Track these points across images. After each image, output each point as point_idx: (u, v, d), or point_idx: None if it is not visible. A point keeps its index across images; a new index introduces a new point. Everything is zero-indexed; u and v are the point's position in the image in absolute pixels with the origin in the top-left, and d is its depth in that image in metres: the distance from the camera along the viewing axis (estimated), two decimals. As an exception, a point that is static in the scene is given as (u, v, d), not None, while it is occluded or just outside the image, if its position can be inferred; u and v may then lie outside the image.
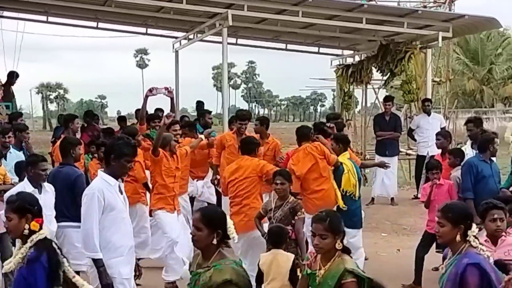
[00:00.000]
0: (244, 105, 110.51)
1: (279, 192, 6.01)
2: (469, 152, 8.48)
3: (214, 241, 3.61)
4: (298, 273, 4.94)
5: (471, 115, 22.69)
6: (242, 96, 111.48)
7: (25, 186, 6.55)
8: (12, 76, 13.28)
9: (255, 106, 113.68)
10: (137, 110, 12.28)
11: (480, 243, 4.04)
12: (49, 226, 6.18)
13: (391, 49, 14.70)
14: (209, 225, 3.66)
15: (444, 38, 14.20)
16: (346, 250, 3.98)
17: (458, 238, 3.89)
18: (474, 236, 3.89)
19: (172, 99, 10.69)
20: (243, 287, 3.57)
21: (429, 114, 13.10)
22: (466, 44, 37.96)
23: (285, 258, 5.33)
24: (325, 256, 3.97)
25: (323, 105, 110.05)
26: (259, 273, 5.30)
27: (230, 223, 3.69)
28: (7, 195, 6.44)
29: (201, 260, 3.70)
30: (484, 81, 39.27)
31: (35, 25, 17.25)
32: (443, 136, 8.98)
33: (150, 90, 10.27)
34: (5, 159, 8.18)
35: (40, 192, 6.47)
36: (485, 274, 3.75)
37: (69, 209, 6.49)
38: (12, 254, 4.71)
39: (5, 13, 15.24)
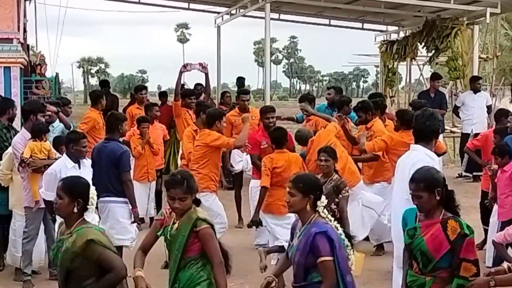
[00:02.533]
0: (285, 81, 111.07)
1: (323, 169, 6.11)
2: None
3: (75, 210, 3.92)
4: None
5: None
6: (283, 71, 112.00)
7: (65, 162, 6.81)
8: None
9: (296, 81, 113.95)
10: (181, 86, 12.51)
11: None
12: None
13: (437, 25, 14.75)
14: (70, 194, 3.96)
15: (492, 14, 14.16)
16: (197, 202, 4.25)
17: (308, 208, 4.03)
18: (324, 206, 4.01)
19: (206, 74, 10.96)
20: (107, 245, 3.85)
21: (476, 92, 13.05)
22: None
23: None
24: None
25: (366, 81, 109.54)
26: None
27: (92, 192, 4.01)
28: (48, 171, 6.86)
29: (64, 229, 4.00)
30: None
31: (78, 0, 17.87)
32: None
33: (185, 66, 10.63)
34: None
35: (79, 168, 6.72)
36: (332, 242, 3.91)
37: (113, 184, 6.73)
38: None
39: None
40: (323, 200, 4.12)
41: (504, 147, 7.26)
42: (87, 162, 6.98)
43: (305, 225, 4.06)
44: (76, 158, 6.79)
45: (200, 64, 10.97)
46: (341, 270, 3.97)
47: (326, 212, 4.15)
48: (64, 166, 6.75)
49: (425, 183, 4.02)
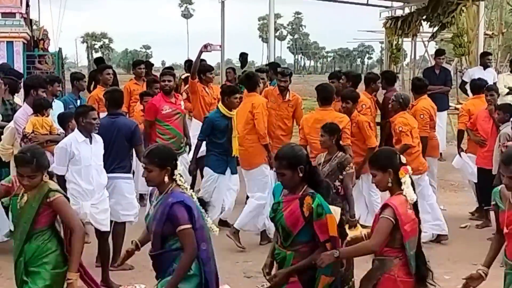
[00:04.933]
0: (290, 57, 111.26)
1: (321, 144, 6.23)
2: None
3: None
4: (347, 230, 5.12)
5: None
6: (288, 47, 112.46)
7: (76, 136, 6.76)
8: None
9: (301, 57, 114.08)
10: (187, 61, 12.70)
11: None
12: (99, 176, 6.62)
13: (443, 1, 14.54)
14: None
15: None
16: (50, 175, 4.40)
17: (166, 179, 4.11)
18: (180, 174, 4.12)
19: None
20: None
21: (485, 68, 13.06)
22: None
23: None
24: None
25: (371, 58, 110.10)
26: None
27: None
28: (59, 145, 6.78)
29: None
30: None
31: None
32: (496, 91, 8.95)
33: (205, 46, 10.71)
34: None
35: (90, 143, 6.69)
36: (190, 210, 4.02)
37: (121, 160, 6.83)
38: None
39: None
40: (180, 168, 4.24)
41: (511, 107, 7.62)
42: (98, 137, 6.87)
43: (162, 194, 4.16)
44: (87, 132, 6.68)
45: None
46: (197, 238, 4.11)
47: (183, 180, 4.26)
48: (75, 140, 6.65)
49: (288, 161, 4.11)
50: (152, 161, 4.16)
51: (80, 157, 6.54)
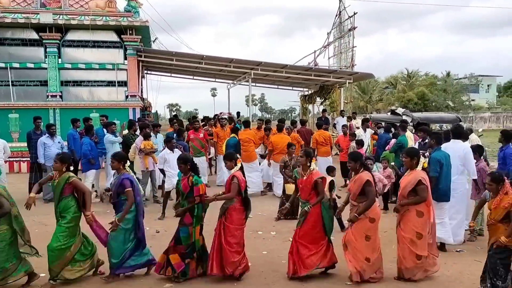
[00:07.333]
0: (259, 113, 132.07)
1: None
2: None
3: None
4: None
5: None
6: (259, 109, 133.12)
7: (166, 151, 9.96)
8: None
9: (263, 113, 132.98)
10: (205, 117, 17.99)
11: None
12: (173, 180, 9.64)
13: (325, 88, 22.96)
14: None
15: (349, 83, 22.00)
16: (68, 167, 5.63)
17: (121, 167, 6.12)
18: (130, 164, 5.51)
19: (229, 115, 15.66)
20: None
21: (343, 117, 18.76)
22: (359, 84, 53.91)
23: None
24: (59, 173, 6.09)
25: (294, 113, 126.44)
26: None
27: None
28: (160, 155, 10.00)
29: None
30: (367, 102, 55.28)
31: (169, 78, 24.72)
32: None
33: (220, 113, 15.48)
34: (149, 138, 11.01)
35: (173, 152, 9.91)
36: (132, 182, 6.06)
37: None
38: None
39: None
40: (128, 162, 6.09)
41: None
42: (176, 151, 9.80)
43: (119, 174, 6.13)
44: (171, 149, 9.83)
45: (229, 113, 16.17)
46: (135, 196, 6.09)
47: (128, 168, 6.32)
48: (166, 153, 9.92)
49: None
50: (115, 159, 6.30)
51: (169, 160, 10.01)
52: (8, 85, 17.83)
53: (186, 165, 6.27)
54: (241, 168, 6.39)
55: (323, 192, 6.33)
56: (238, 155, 6.64)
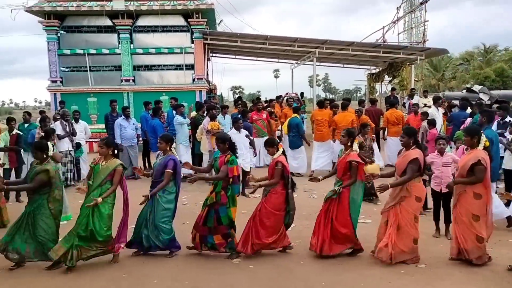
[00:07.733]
0: (322, 94, 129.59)
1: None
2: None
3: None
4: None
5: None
6: (322, 89, 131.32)
7: (233, 130, 9.82)
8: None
9: (327, 93, 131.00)
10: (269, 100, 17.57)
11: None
12: (245, 146, 10.03)
13: (394, 65, 21.89)
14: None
15: (420, 59, 20.82)
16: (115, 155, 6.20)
17: (168, 148, 6.43)
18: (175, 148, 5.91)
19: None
20: None
21: (412, 97, 17.30)
22: (431, 61, 51.54)
23: None
24: (105, 157, 6.25)
25: (360, 93, 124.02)
26: None
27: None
28: (221, 135, 7.94)
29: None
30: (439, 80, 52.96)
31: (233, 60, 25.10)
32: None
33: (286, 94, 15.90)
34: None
35: (239, 133, 9.99)
36: (175, 164, 6.27)
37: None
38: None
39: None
40: (174, 143, 6.22)
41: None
42: (243, 131, 9.94)
43: (164, 155, 6.45)
44: (237, 130, 9.97)
45: (295, 94, 16.36)
46: (177, 179, 6.35)
47: (174, 150, 6.40)
48: (233, 133, 9.72)
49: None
50: (161, 141, 6.48)
51: (236, 140, 8.32)
52: (86, 71, 18.82)
53: (225, 144, 6.39)
54: (283, 153, 6.45)
55: (356, 176, 6.31)
56: (278, 140, 6.67)
